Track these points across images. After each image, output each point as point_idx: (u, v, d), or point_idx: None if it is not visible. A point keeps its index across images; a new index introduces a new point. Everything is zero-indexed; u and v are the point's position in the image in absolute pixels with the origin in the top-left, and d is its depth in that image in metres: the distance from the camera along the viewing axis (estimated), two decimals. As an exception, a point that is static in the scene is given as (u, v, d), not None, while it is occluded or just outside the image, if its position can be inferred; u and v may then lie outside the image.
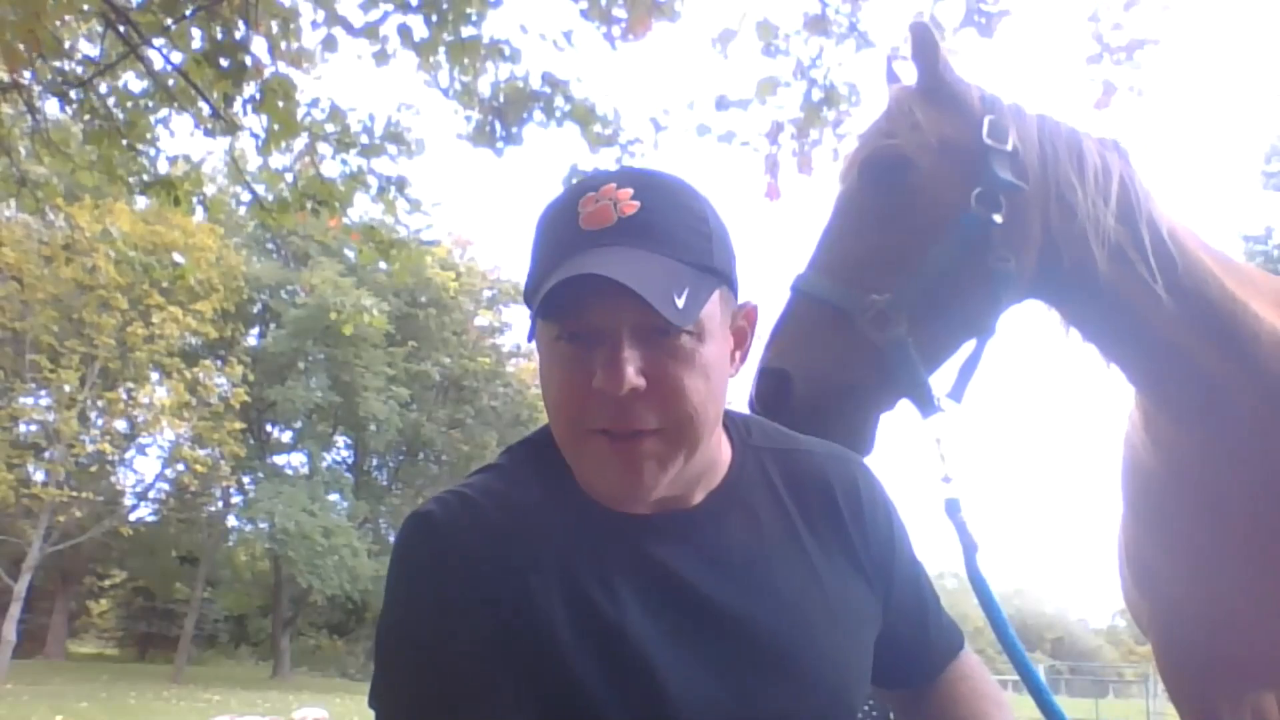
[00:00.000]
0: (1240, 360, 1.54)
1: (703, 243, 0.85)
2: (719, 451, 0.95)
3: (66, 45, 4.57)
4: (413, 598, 0.85)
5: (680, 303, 0.78)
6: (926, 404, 1.39)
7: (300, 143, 4.98)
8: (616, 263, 0.78)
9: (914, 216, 1.45)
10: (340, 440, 31.37)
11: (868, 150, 1.52)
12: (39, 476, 20.21)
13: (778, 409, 1.34)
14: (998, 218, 1.43)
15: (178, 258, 8.31)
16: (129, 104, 4.71)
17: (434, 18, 4.60)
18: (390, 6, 4.62)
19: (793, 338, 1.39)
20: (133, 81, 4.79)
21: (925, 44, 1.54)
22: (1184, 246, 1.56)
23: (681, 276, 0.81)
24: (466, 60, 4.71)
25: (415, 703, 0.81)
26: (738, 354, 0.94)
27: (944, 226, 1.44)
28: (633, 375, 0.79)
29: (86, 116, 4.66)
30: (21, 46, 3.73)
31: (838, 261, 1.44)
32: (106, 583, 34.71)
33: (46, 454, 20.20)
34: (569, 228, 0.84)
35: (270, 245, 27.95)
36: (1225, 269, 1.61)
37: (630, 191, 0.84)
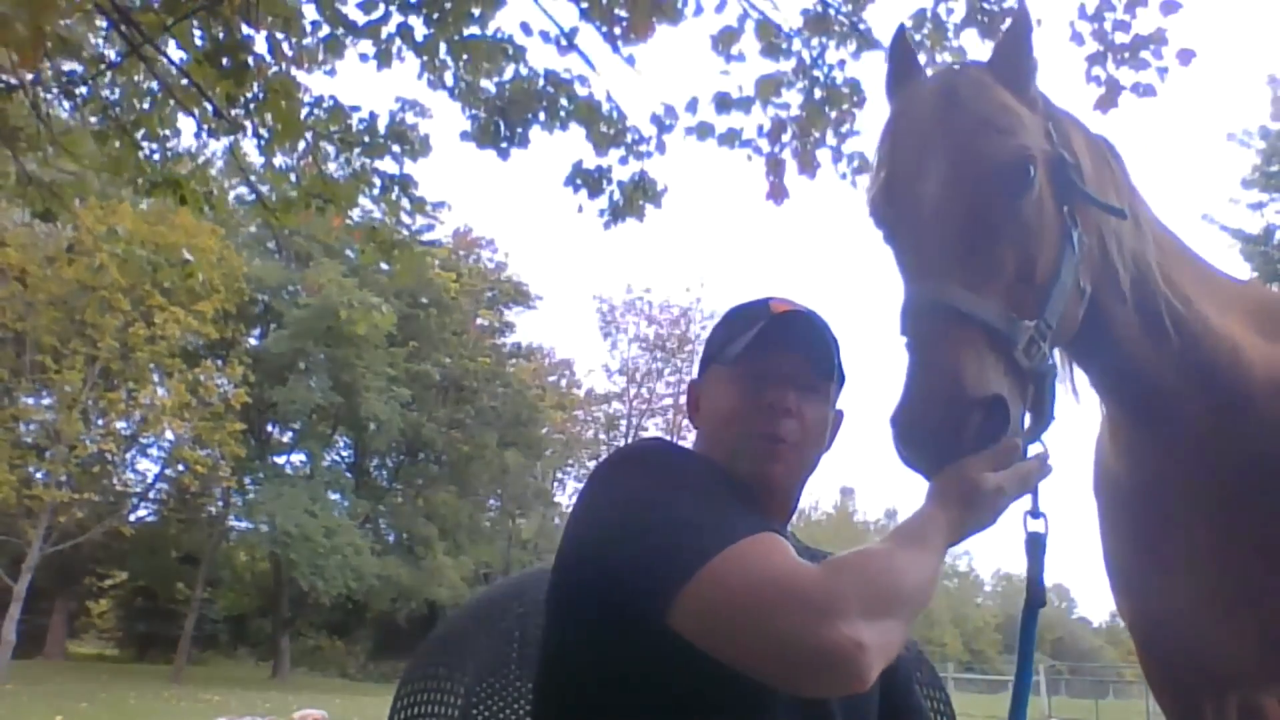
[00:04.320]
0: (1193, 369, 1.55)
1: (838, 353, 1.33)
2: None
3: (73, 45, 4.57)
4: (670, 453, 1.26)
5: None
6: (1043, 431, 1.29)
7: (303, 142, 4.97)
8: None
9: (1036, 232, 1.29)
10: (340, 440, 31.37)
11: (986, 145, 1.29)
12: (39, 476, 20.19)
13: (993, 440, 1.15)
14: (1080, 235, 1.35)
15: (186, 255, 8.30)
16: (135, 103, 4.71)
17: (435, 16, 4.59)
18: (392, 5, 4.62)
19: (976, 360, 1.17)
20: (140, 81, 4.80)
21: (1022, 35, 1.41)
22: (1158, 250, 1.56)
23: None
24: (470, 59, 4.71)
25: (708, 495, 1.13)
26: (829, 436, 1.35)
27: (1062, 245, 1.31)
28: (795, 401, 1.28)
29: (95, 116, 4.66)
30: (16, 54, 3.72)
31: (977, 277, 1.23)
32: (106, 583, 34.64)
33: (48, 454, 20.16)
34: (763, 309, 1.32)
35: (271, 246, 27.93)
36: (1196, 276, 1.61)
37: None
